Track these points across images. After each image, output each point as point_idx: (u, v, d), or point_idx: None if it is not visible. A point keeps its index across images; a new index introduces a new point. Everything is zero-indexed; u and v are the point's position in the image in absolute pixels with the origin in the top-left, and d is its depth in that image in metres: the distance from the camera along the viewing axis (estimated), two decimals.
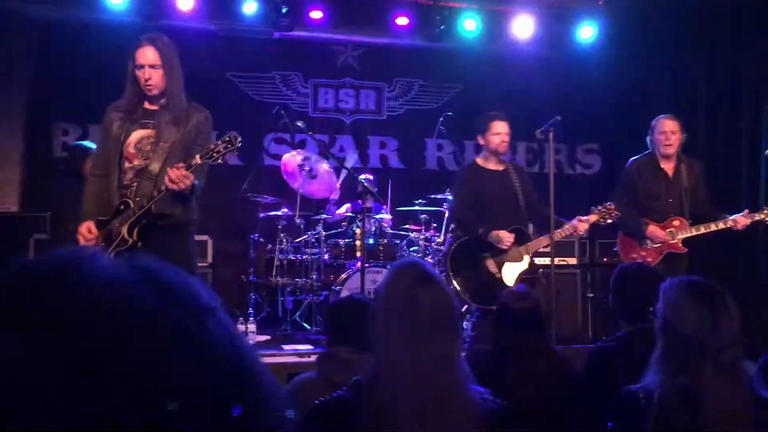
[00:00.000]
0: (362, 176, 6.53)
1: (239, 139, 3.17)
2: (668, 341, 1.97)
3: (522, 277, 4.64)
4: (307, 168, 6.15)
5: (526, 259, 4.68)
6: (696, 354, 1.89)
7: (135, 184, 3.43)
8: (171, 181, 3.16)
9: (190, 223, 3.60)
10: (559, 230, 4.66)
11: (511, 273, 4.65)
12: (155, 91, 3.44)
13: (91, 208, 3.49)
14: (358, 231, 5.83)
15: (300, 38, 7.32)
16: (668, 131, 4.97)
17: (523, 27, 7.24)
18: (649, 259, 4.91)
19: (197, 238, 4.06)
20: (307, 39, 7.41)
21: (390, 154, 7.93)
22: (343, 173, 6.55)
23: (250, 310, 6.28)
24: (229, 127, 7.28)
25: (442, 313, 1.68)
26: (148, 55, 3.42)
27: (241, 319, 6.26)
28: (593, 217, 4.64)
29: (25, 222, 6.28)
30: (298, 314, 6.44)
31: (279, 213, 6.41)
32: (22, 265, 0.60)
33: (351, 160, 7.49)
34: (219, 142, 3.19)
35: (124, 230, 3.34)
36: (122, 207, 3.37)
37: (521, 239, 4.68)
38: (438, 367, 1.62)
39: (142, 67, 3.41)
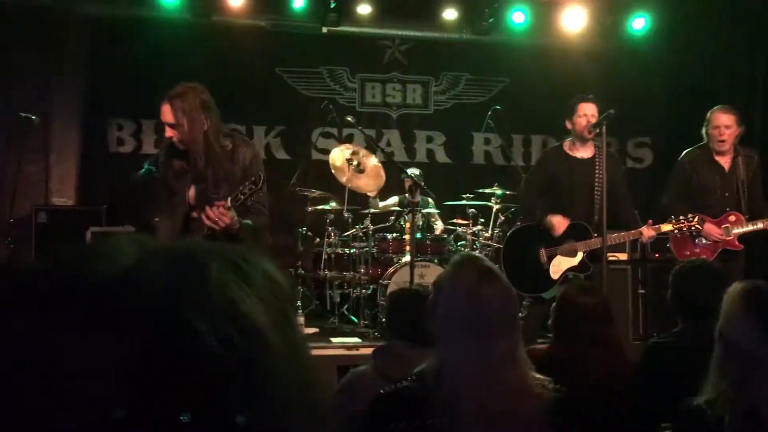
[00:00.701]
0: (410, 170, 6.56)
1: (262, 178, 3.20)
2: (724, 349, 1.92)
3: (568, 274, 4.54)
4: (355, 162, 6.17)
5: (579, 256, 4.51)
6: (750, 367, 1.84)
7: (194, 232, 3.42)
8: (208, 218, 3.20)
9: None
10: (624, 233, 4.50)
11: (558, 267, 4.55)
12: (185, 145, 3.41)
13: None
14: (407, 225, 5.84)
15: (348, 33, 7.35)
16: (722, 126, 4.77)
17: (573, 19, 7.13)
18: (704, 257, 4.77)
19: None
20: (355, 34, 7.43)
21: (436, 148, 7.91)
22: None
23: (298, 303, 6.36)
24: (278, 121, 7.52)
25: (504, 310, 1.67)
26: (166, 115, 3.38)
27: None
28: (666, 227, 4.43)
29: (81, 215, 6.46)
30: (345, 307, 6.48)
31: (327, 207, 6.46)
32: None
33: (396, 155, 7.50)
34: (247, 184, 3.21)
35: None
36: None
37: (581, 235, 4.51)
38: (501, 363, 1.61)
39: (165, 125, 3.40)
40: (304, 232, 6.58)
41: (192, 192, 3.48)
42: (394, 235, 6.35)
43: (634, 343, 5.86)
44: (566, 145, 4.74)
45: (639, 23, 7.17)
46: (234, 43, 7.04)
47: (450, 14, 7.11)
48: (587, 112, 4.59)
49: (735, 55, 7.05)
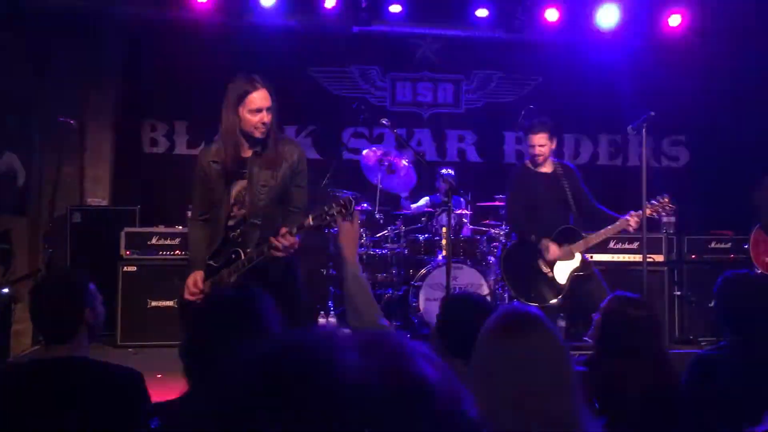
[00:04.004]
0: (444, 170, 6.52)
1: (354, 204, 2.94)
2: None
3: (574, 275, 4.67)
4: (386, 163, 6.15)
5: (578, 257, 4.68)
6: None
7: (241, 231, 3.41)
8: (276, 249, 3.15)
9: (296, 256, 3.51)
10: (610, 227, 4.61)
11: (562, 271, 4.68)
12: (265, 134, 3.35)
13: (200, 254, 3.47)
14: (444, 230, 5.81)
15: (379, 32, 7.31)
16: None
17: (607, 16, 7.02)
18: None
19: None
20: (386, 33, 7.39)
21: (468, 147, 7.86)
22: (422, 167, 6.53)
23: (330, 303, 6.36)
24: (309, 121, 7.52)
25: (552, 364, 1.53)
26: (265, 100, 3.31)
27: (322, 312, 6.35)
28: (648, 211, 4.56)
29: (115, 215, 6.53)
30: None
31: (359, 208, 6.44)
32: (281, 341, 0.65)
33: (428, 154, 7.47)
34: (334, 206, 2.98)
35: (233, 279, 3.32)
36: (233, 256, 3.36)
37: (572, 238, 4.68)
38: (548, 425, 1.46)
39: (260, 111, 3.30)
40: (335, 233, 6.57)
41: (237, 188, 3.42)
42: (426, 236, 6.32)
43: (671, 345, 5.78)
44: (528, 163, 4.95)
45: (675, 19, 7.04)
46: (265, 43, 7.05)
47: (482, 12, 7.04)
48: (535, 143, 4.79)
49: None
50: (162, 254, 6.02)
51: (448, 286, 4.60)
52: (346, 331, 0.68)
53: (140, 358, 5.38)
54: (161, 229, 6.15)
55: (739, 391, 2.13)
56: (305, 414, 0.58)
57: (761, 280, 2.79)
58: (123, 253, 6.00)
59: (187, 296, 3.37)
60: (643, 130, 4.32)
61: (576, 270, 4.67)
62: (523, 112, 6.06)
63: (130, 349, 5.77)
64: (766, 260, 4.58)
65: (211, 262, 3.44)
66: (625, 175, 7.66)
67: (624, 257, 6.32)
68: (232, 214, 3.43)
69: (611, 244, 6.37)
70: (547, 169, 4.87)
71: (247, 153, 3.41)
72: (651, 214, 4.59)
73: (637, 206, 4.61)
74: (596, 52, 7.35)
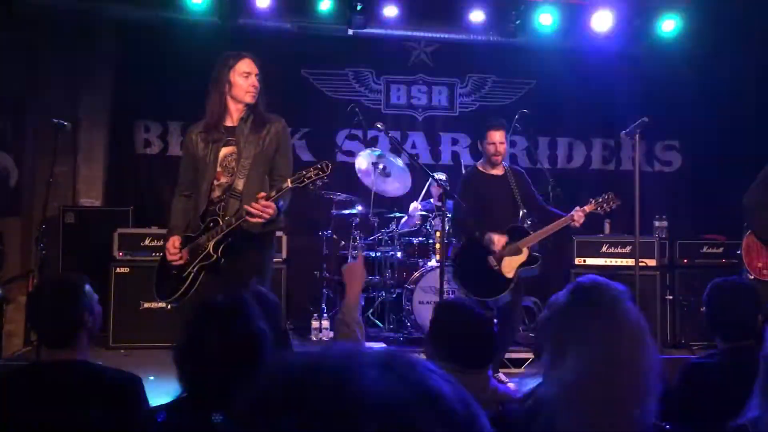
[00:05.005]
0: (436, 174, 6.52)
1: (330, 167, 3.23)
2: None
3: (521, 269, 4.78)
4: (381, 166, 6.15)
5: (525, 251, 4.80)
6: None
7: (223, 201, 3.54)
8: (250, 215, 3.27)
9: (273, 233, 3.71)
10: (555, 223, 4.76)
11: (509, 266, 4.79)
12: (255, 98, 3.59)
13: (178, 222, 3.67)
14: (438, 234, 5.82)
15: (374, 35, 7.31)
16: None
17: (601, 21, 7.04)
18: None
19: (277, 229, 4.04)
20: (381, 36, 7.39)
21: (462, 150, 7.87)
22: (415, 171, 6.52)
23: (323, 306, 6.36)
24: (303, 123, 7.52)
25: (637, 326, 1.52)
26: (252, 65, 3.60)
27: (315, 315, 6.35)
28: (589, 207, 4.75)
29: (108, 216, 6.51)
30: (370, 311, 6.47)
31: (353, 211, 6.45)
32: (303, 359, 0.68)
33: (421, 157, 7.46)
34: (311, 169, 3.25)
35: (210, 246, 3.47)
36: (211, 224, 3.51)
37: (520, 235, 4.82)
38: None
39: (249, 74, 3.57)
40: (329, 235, 6.57)
41: (224, 153, 3.57)
42: (420, 239, 6.32)
43: (663, 350, 5.80)
44: (480, 166, 5.13)
45: (669, 25, 7.07)
46: (260, 45, 7.02)
47: (476, 16, 7.04)
48: (495, 140, 4.94)
49: (765, 58, 6.93)
50: (155, 255, 5.97)
51: (441, 290, 4.61)
52: (367, 347, 0.72)
53: (132, 359, 5.36)
54: (154, 230, 6.14)
55: (729, 399, 2.13)
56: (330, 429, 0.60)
57: (748, 286, 2.79)
58: (116, 254, 5.99)
59: (169, 258, 3.55)
60: (636, 135, 4.33)
61: (523, 264, 4.79)
62: (516, 116, 6.07)
63: (122, 351, 5.75)
64: (759, 265, 4.54)
65: (189, 233, 3.61)
66: (618, 179, 7.68)
67: (616, 261, 6.34)
68: (216, 183, 3.56)
69: (604, 248, 6.39)
70: (499, 171, 5.06)
71: (233, 123, 3.61)
72: (594, 209, 4.75)
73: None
74: (590, 57, 7.37)
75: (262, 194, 3.28)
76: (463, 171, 5.93)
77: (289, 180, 3.27)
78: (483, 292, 4.74)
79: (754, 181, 4.67)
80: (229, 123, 3.62)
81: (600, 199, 4.79)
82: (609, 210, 4.86)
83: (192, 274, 3.50)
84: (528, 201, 5.01)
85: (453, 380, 0.68)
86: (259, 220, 3.29)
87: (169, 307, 3.93)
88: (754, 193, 4.63)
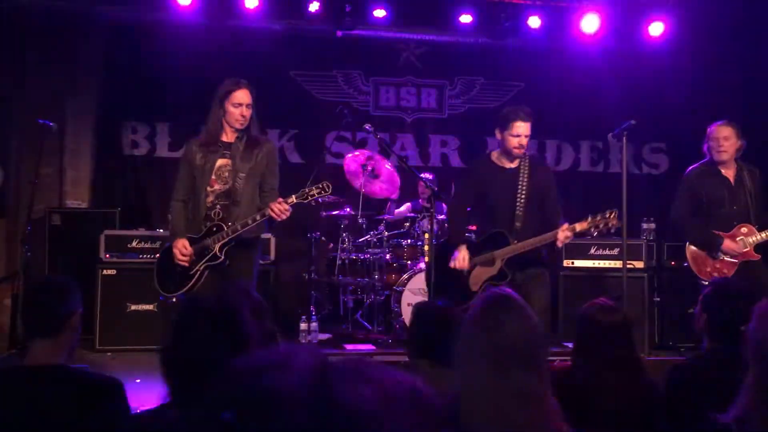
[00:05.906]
0: (423, 175, 6.53)
1: (331, 188, 3.86)
2: (763, 370, 1.87)
3: (487, 284, 4.38)
4: (369, 168, 6.15)
5: (497, 264, 4.37)
6: None
7: (218, 206, 4.06)
8: (275, 213, 3.86)
9: (260, 239, 4.30)
10: (538, 237, 4.27)
11: (478, 278, 4.43)
12: (243, 126, 4.10)
13: (181, 227, 4.12)
14: (426, 235, 5.81)
15: (362, 37, 7.31)
16: (720, 137, 4.87)
17: (589, 23, 7.07)
18: (725, 271, 4.75)
19: (262, 235, 4.44)
20: (370, 37, 7.40)
21: (451, 152, 7.88)
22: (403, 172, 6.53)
23: (312, 308, 6.33)
24: (292, 125, 7.50)
25: (523, 345, 1.64)
26: (246, 97, 4.08)
27: (303, 317, 6.32)
28: (581, 226, 4.21)
29: (95, 217, 6.45)
30: (359, 313, 6.46)
31: (342, 212, 6.43)
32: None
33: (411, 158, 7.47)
34: (314, 188, 3.85)
35: (217, 248, 4.01)
36: (215, 229, 4.02)
37: (500, 244, 4.38)
38: (516, 402, 1.57)
39: (240, 105, 4.06)
40: (317, 237, 6.55)
41: (218, 163, 4.08)
42: (409, 241, 6.32)
43: (650, 352, 5.82)
44: (494, 155, 4.59)
45: (656, 28, 7.11)
46: (248, 46, 7.03)
47: (466, 18, 7.06)
48: (521, 132, 4.39)
49: (752, 61, 6.98)
50: (142, 257, 5.95)
51: (430, 292, 4.60)
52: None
53: (119, 362, 5.32)
54: (142, 231, 6.09)
55: (716, 399, 2.14)
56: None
57: (744, 288, 2.80)
58: (102, 256, 5.94)
59: (180, 259, 4.01)
60: (624, 137, 4.35)
61: (492, 278, 4.37)
62: None
63: (108, 353, 5.71)
64: (708, 270, 4.75)
65: (191, 236, 4.06)
66: (606, 181, 7.72)
67: (604, 263, 6.35)
68: (209, 189, 4.05)
69: (592, 251, 6.41)
70: (513, 164, 4.51)
71: (230, 139, 4.14)
72: (587, 229, 4.22)
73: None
74: (578, 60, 7.41)
75: (281, 199, 3.88)
76: (461, 171, 5.89)
77: (294, 196, 3.86)
78: (447, 297, 4.25)
79: (676, 196, 4.98)
80: (225, 139, 4.14)
81: (598, 217, 4.20)
82: (605, 232, 4.25)
83: (199, 272, 4.04)
84: (536, 200, 4.46)
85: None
86: (278, 218, 3.86)
87: (158, 303, 4.65)
88: (680, 207, 4.91)
